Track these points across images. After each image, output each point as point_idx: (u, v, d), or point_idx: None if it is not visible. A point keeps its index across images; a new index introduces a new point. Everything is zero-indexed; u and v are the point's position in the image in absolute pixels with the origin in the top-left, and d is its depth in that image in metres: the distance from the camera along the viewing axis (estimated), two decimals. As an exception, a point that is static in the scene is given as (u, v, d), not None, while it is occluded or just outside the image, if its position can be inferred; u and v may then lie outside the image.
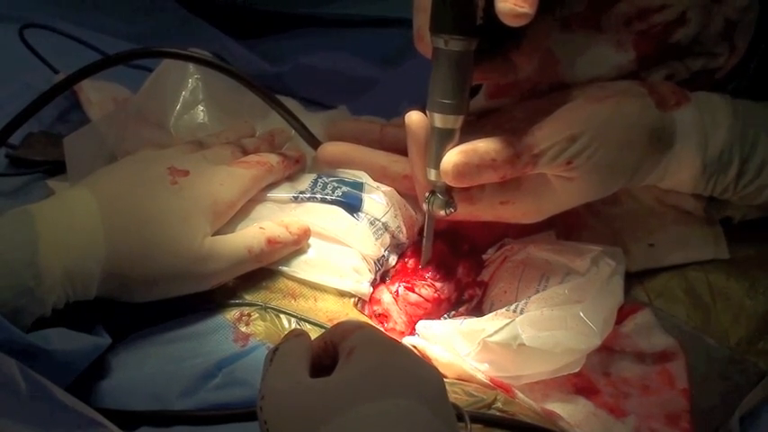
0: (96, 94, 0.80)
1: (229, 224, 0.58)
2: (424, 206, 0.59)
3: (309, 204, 0.61)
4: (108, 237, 0.51)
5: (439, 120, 0.55)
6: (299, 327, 0.54)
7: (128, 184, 0.54)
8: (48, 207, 0.52)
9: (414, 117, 0.57)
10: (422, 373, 0.41)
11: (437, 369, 0.47)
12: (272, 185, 0.62)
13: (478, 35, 0.53)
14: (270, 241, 0.56)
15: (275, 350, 0.44)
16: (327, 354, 0.44)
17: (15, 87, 0.81)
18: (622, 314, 0.59)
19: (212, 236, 0.55)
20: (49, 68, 0.84)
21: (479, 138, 0.55)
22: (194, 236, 0.53)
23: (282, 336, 0.48)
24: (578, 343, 0.53)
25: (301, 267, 0.58)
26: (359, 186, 0.62)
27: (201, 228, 0.54)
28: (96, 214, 0.52)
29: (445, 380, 0.48)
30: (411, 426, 0.37)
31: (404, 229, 0.63)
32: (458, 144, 0.55)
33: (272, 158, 0.62)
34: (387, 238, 0.61)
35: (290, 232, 0.57)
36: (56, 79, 0.81)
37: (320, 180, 0.62)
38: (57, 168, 0.73)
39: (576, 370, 0.54)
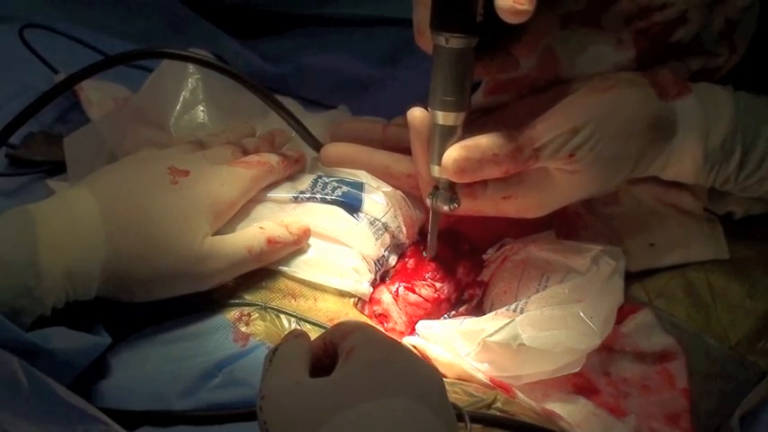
0: (96, 94, 0.80)
1: (229, 224, 0.58)
2: (428, 202, 0.59)
3: (309, 204, 0.61)
4: (108, 237, 0.51)
5: (441, 117, 0.55)
6: (298, 327, 0.54)
7: (128, 184, 0.54)
8: (48, 207, 0.52)
9: (416, 113, 0.58)
10: (421, 372, 0.41)
11: (437, 369, 0.47)
12: (273, 185, 0.62)
13: (479, 32, 0.53)
14: (270, 241, 0.56)
15: (275, 350, 0.43)
16: (327, 354, 0.44)
17: (15, 87, 0.81)
18: (622, 314, 0.59)
19: (212, 236, 0.55)
20: (48, 68, 0.84)
21: (481, 134, 0.55)
22: (194, 236, 0.53)
23: (282, 336, 0.48)
24: (578, 343, 0.53)
25: (301, 267, 0.58)
26: (359, 186, 0.62)
27: (202, 228, 0.54)
28: (96, 214, 0.52)
29: (445, 380, 0.48)
30: (411, 425, 0.37)
31: (404, 230, 0.63)
32: (460, 140, 0.55)
33: (273, 158, 0.61)
34: (387, 239, 0.61)
35: (290, 232, 0.57)
36: (56, 79, 0.81)
37: (320, 180, 0.62)
38: (57, 168, 0.73)
39: (576, 370, 0.54)
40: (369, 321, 0.58)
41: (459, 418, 0.47)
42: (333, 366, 0.42)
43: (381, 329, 0.58)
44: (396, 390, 0.39)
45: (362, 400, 0.38)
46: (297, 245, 0.58)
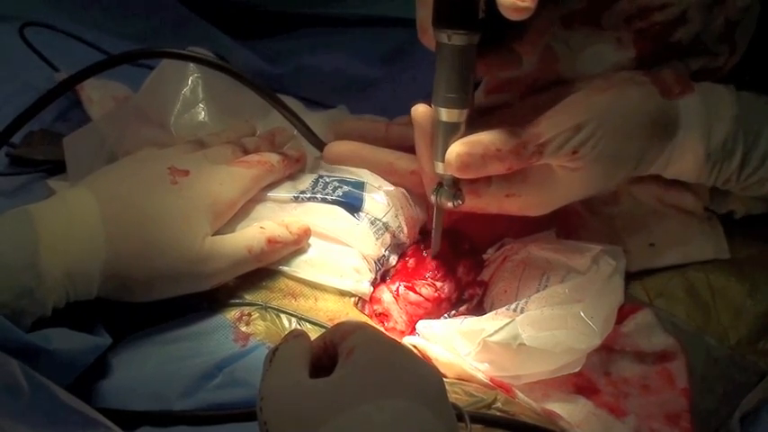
0: (97, 93, 0.80)
1: (230, 224, 0.58)
2: (432, 198, 0.59)
3: (310, 204, 0.61)
4: (108, 237, 0.51)
5: (444, 114, 0.55)
6: (299, 327, 0.54)
7: (128, 184, 0.54)
8: (48, 207, 0.52)
9: (420, 110, 0.58)
10: (422, 372, 0.41)
11: (437, 369, 0.47)
12: (273, 185, 0.62)
13: (481, 29, 0.53)
14: (270, 241, 0.56)
15: (275, 350, 0.43)
16: (327, 354, 0.44)
17: (15, 86, 0.81)
18: (622, 314, 0.59)
19: (213, 236, 0.55)
20: (49, 67, 0.84)
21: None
22: (195, 236, 0.53)
23: (282, 336, 0.48)
24: (578, 342, 0.53)
25: (302, 267, 0.58)
26: (360, 186, 0.62)
27: (202, 227, 0.54)
28: (96, 214, 0.52)
29: (445, 380, 0.48)
30: (411, 426, 0.37)
31: (405, 229, 0.63)
32: (463, 137, 0.55)
33: (273, 158, 0.61)
34: (387, 238, 0.61)
35: (290, 232, 0.57)
36: (56, 77, 0.82)
37: (321, 180, 0.62)
38: (57, 168, 0.73)
39: (576, 370, 0.54)
40: (369, 321, 0.58)
41: (460, 418, 0.48)
42: (333, 366, 0.42)
43: (382, 329, 0.58)
44: (396, 390, 0.39)
45: (362, 401, 0.38)
46: (297, 245, 0.58)
